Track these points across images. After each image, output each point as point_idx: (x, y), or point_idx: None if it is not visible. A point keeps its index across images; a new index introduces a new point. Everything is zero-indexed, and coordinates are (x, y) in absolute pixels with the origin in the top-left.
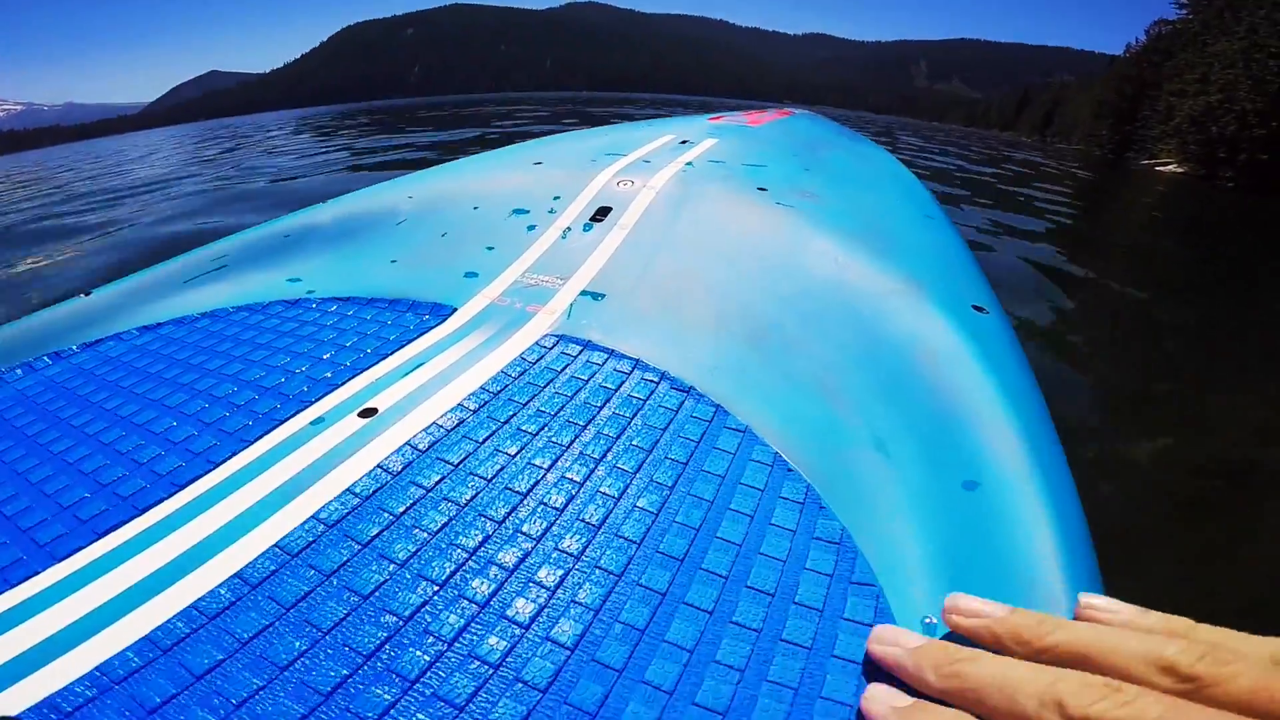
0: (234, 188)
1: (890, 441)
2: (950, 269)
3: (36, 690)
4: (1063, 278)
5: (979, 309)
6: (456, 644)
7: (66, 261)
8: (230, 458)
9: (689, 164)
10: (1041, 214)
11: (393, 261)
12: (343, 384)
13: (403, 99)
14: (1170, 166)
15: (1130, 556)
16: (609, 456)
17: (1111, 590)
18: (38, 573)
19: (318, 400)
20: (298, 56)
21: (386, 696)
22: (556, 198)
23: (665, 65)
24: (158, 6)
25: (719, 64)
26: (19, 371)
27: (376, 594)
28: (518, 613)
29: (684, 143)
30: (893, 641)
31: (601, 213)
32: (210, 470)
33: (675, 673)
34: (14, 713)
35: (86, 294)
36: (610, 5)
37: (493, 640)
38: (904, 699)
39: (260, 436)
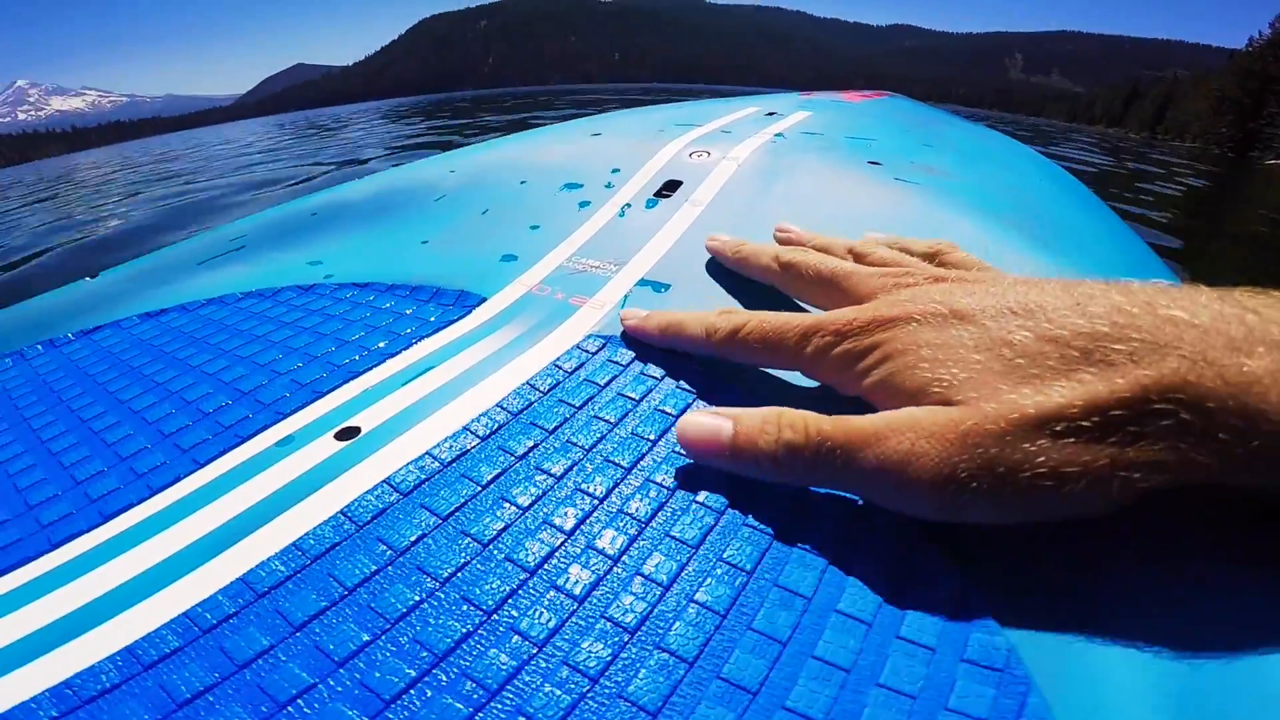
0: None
1: None
2: (1124, 259)
3: (56, 671)
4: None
5: None
6: (503, 693)
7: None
8: (182, 479)
9: (779, 135)
10: (1160, 212)
11: (424, 242)
12: (328, 391)
13: (475, 90)
14: None
15: None
16: (661, 514)
17: None
18: (12, 569)
19: (297, 410)
20: (377, 49)
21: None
22: (615, 170)
23: (738, 56)
24: (248, 0)
25: (796, 55)
26: (8, 361)
27: (403, 621)
28: (571, 585)
29: (770, 114)
30: (715, 238)
31: (669, 187)
32: (150, 497)
33: (761, 670)
34: (23, 697)
35: (92, 276)
36: None
37: (548, 687)
38: (650, 315)
39: (224, 453)
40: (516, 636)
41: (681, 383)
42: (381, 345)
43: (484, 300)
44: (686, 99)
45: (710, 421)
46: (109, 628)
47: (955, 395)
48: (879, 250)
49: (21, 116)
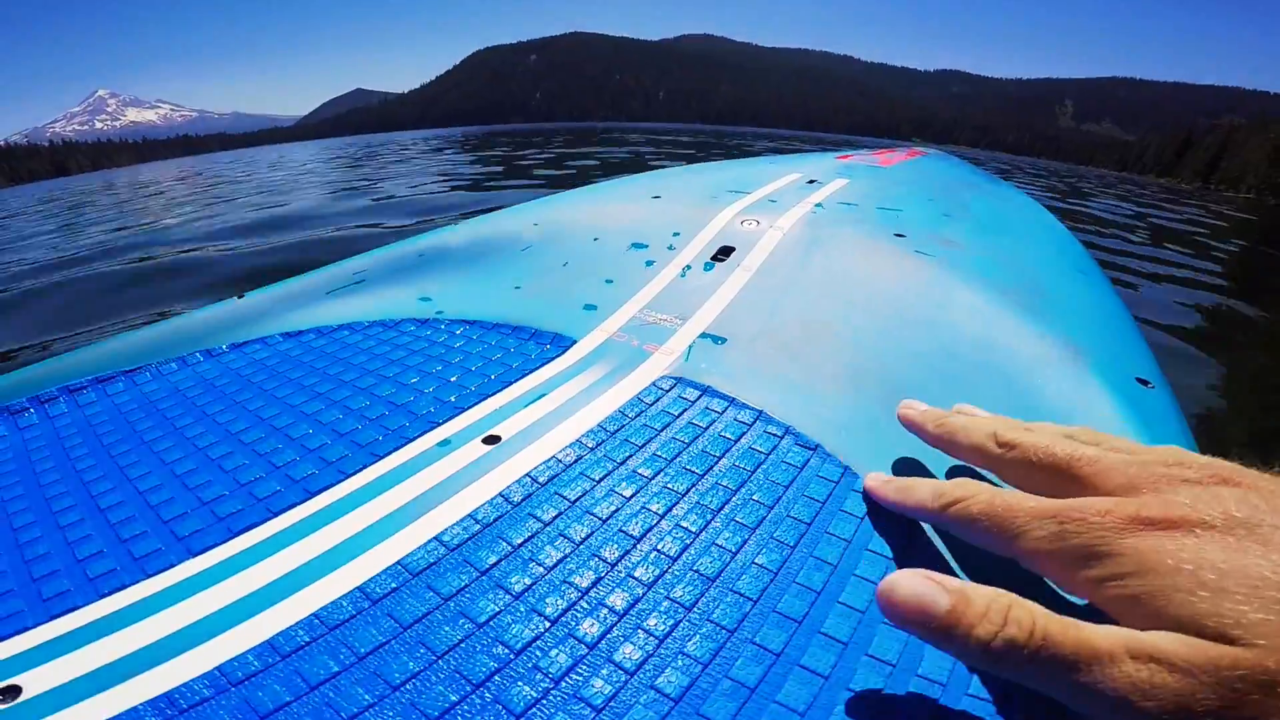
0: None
1: None
2: (1111, 334)
3: (156, 685)
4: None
5: (1143, 382)
6: (563, 682)
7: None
8: (361, 470)
9: (818, 205)
10: (1208, 273)
11: (516, 288)
12: (469, 408)
13: (525, 123)
14: None
15: None
16: (726, 509)
17: None
18: (174, 565)
19: (445, 422)
20: (432, 78)
21: None
22: (676, 234)
23: (783, 99)
24: (314, 24)
25: (843, 99)
26: (174, 365)
27: (490, 623)
28: (625, 658)
29: (811, 182)
30: (910, 406)
31: (724, 252)
32: (341, 480)
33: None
34: (133, 703)
35: (240, 297)
36: (726, 38)
37: (598, 683)
38: (892, 477)
39: (390, 452)
40: (588, 620)
41: (742, 414)
42: (495, 376)
43: (575, 342)
44: (729, 142)
45: (924, 589)
46: (341, 574)
47: (1241, 636)
48: (1113, 440)
49: (99, 125)
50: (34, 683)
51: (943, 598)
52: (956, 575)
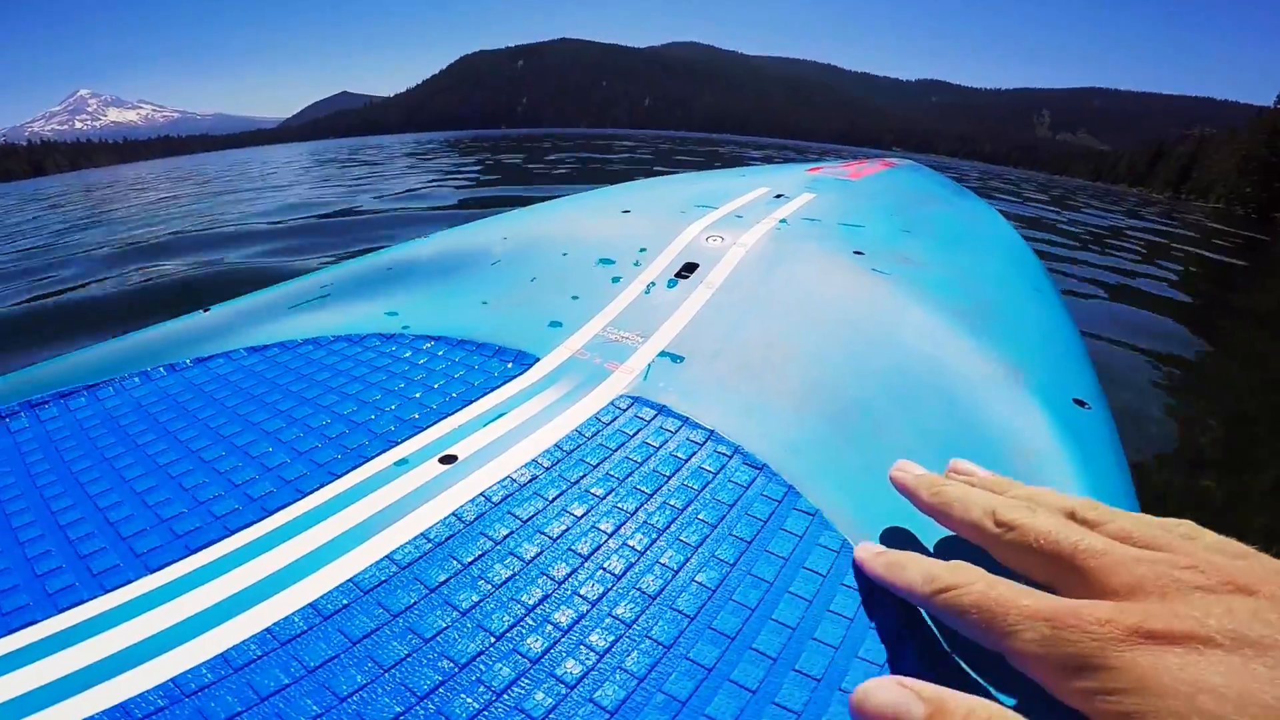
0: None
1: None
2: (1055, 353)
3: (110, 696)
4: (1188, 360)
5: (1080, 403)
6: (505, 695)
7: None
8: (317, 489)
9: (783, 221)
10: (1175, 280)
11: (484, 303)
12: (428, 427)
13: (511, 129)
14: None
15: None
16: (672, 528)
17: None
18: (131, 580)
19: (404, 441)
20: (419, 82)
21: None
22: (643, 250)
23: (768, 107)
24: (300, 26)
25: (825, 108)
26: (137, 379)
27: (437, 639)
28: (566, 672)
29: (779, 196)
30: (905, 469)
31: (688, 269)
32: (298, 499)
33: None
34: (89, 713)
35: (205, 310)
36: (713, 46)
37: (539, 695)
38: (884, 549)
39: (347, 471)
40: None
41: (694, 434)
42: (456, 395)
43: (537, 360)
44: (712, 149)
45: (899, 698)
46: (294, 591)
47: None
48: (1120, 519)
49: (79, 125)
50: None
51: (917, 708)
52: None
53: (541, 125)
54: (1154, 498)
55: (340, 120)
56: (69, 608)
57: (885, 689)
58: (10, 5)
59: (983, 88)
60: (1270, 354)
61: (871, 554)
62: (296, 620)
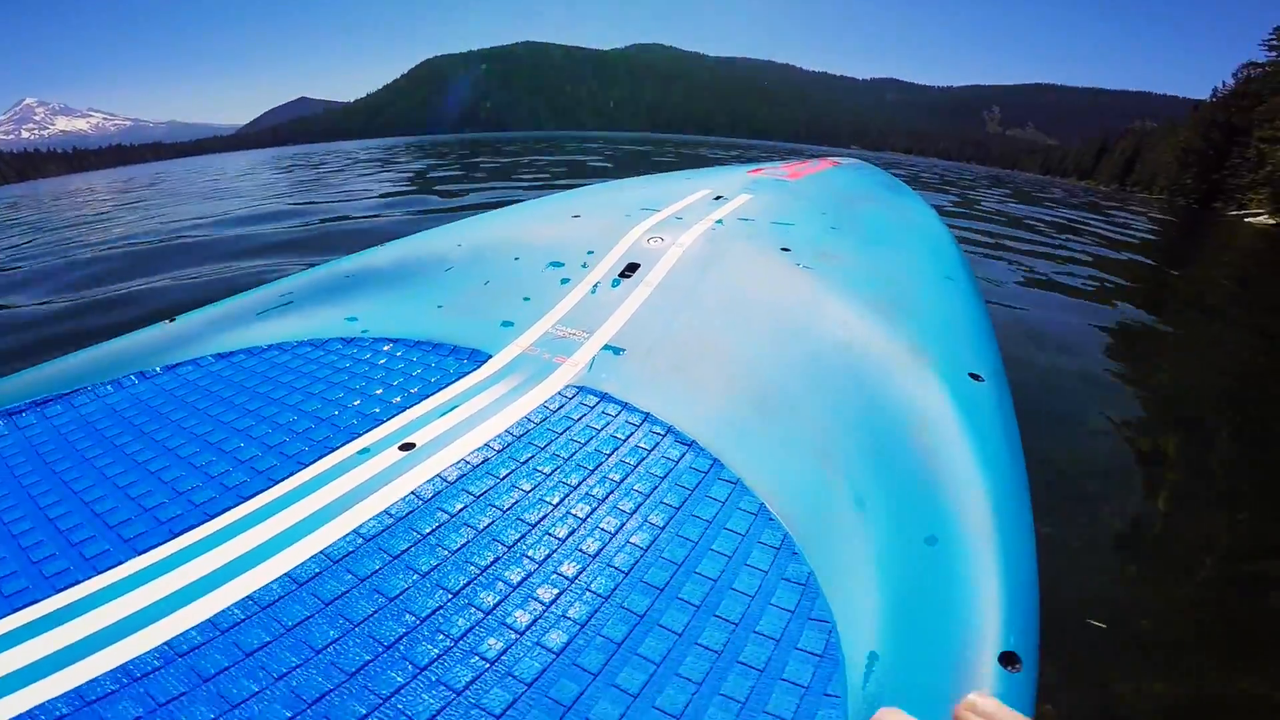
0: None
1: (869, 499)
2: (956, 334)
3: (111, 659)
4: (1147, 335)
5: (975, 376)
6: (462, 641)
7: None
8: (289, 476)
9: (719, 221)
10: (1115, 266)
11: (439, 307)
12: (387, 420)
13: (474, 133)
14: (1261, 218)
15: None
16: (611, 498)
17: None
18: (121, 562)
19: (365, 433)
20: (379, 87)
21: (399, 679)
22: (590, 252)
23: (729, 107)
24: (256, 31)
25: (786, 107)
26: (109, 387)
27: (400, 597)
28: (515, 620)
29: (718, 198)
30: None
31: (630, 269)
32: (271, 486)
33: (642, 680)
34: (94, 675)
35: (171, 320)
36: (675, 47)
37: (492, 640)
38: None
39: (314, 461)
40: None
41: (632, 417)
42: (414, 391)
43: (490, 357)
44: (674, 149)
45: None
46: (272, 563)
47: None
48: None
49: (26, 135)
50: None
51: None
52: None
53: (506, 128)
54: (1114, 452)
55: (300, 126)
56: (65, 588)
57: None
58: None
59: (935, 85)
60: (1207, 331)
61: None
62: (275, 587)
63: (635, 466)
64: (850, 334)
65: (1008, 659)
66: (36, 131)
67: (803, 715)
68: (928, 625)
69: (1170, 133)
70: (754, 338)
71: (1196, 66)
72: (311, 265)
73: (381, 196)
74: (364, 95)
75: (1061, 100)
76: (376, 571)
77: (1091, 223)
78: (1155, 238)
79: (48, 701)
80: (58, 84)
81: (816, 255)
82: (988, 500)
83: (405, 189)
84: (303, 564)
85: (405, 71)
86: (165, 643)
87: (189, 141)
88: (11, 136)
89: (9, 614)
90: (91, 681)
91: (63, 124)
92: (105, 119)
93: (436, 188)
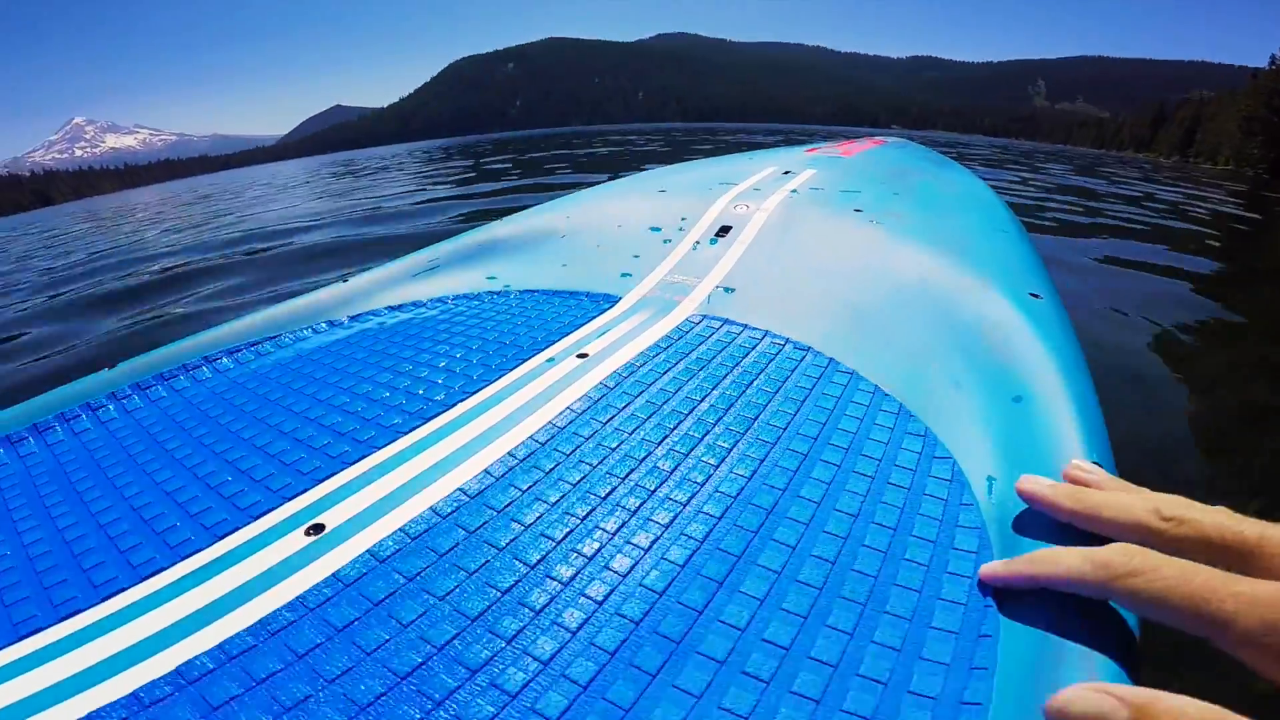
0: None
1: (962, 379)
2: (1012, 268)
3: (244, 620)
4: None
5: (1034, 295)
6: (624, 528)
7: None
8: (476, 392)
9: (794, 191)
10: (1185, 242)
11: (563, 265)
12: (557, 342)
13: (506, 131)
14: None
15: None
16: (746, 394)
17: None
18: (337, 471)
19: (539, 353)
20: (410, 92)
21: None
22: (684, 219)
23: (759, 93)
24: (290, 43)
25: (817, 90)
26: (307, 332)
27: (580, 484)
28: (672, 499)
29: (786, 173)
30: (1034, 481)
31: (723, 230)
32: (463, 399)
33: (792, 535)
34: (180, 660)
35: (345, 280)
36: (700, 35)
37: (661, 516)
38: (1010, 559)
39: (499, 377)
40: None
41: (753, 333)
42: (564, 324)
43: (619, 299)
44: (709, 138)
45: (1099, 702)
46: (473, 460)
47: None
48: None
49: (79, 153)
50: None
51: (1120, 713)
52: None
53: (536, 126)
54: (1178, 442)
55: (337, 134)
56: (269, 510)
57: (1085, 697)
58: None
59: (975, 61)
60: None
61: (1002, 564)
62: (439, 511)
63: (763, 369)
64: (923, 269)
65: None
66: (89, 149)
67: (946, 519)
68: (1024, 451)
69: (1231, 101)
70: (844, 276)
71: (1251, 33)
72: (446, 238)
73: (461, 186)
74: (396, 100)
75: (1110, 72)
76: (573, 452)
77: (1171, 194)
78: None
79: (103, 707)
80: (104, 102)
81: (885, 214)
82: (1057, 372)
83: (462, 185)
84: (501, 459)
85: (434, 75)
86: (333, 574)
87: (233, 153)
88: (65, 155)
89: (175, 561)
90: (149, 684)
91: (112, 141)
92: (152, 134)
93: (504, 180)
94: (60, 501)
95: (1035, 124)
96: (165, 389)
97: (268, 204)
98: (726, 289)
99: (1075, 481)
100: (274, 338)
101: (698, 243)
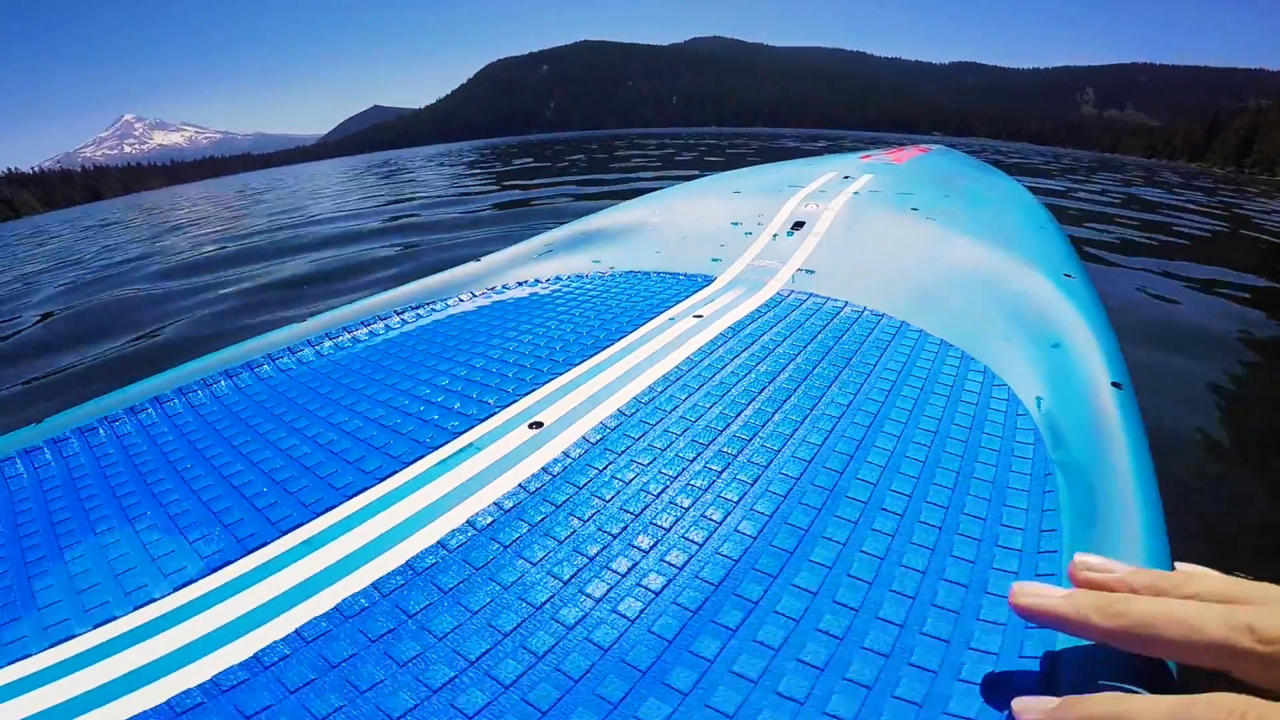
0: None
1: (1010, 336)
2: (1049, 254)
3: (246, 649)
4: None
5: (1068, 275)
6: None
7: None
8: (605, 348)
9: (855, 193)
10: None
11: (657, 252)
12: (664, 311)
13: (542, 133)
14: None
15: None
16: (835, 347)
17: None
18: (462, 431)
19: (650, 320)
20: (447, 93)
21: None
22: (761, 215)
23: (798, 98)
24: (329, 43)
25: (857, 95)
26: (449, 304)
27: (697, 422)
28: (768, 439)
29: (846, 177)
30: (1039, 594)
31: (797, 225)
32: (588, 358)
33: (895, 435)
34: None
35: (478, 260)
36: (735, 39)
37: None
38: (1051, 701)
39: (625, 335)
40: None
41: (834, 303)
42: (669, 297)
43: (712, 280)
44: (746, 141)
45: (1136, 708)
46: (579, 425)
47: None
48: None
49: (128, 149)
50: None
51: (1156, 707)
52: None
53: (570, 128)
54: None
55: (375, 134)
56: (388, 476)
57: (1118, 701)
58: (55, 34)
59: (1020, 68)
60: None
61: (1047, 709)
62: (611, 422)
63: (841, 337)
64: (974, 256)
65: (1115, 385)
66: (137, 146)
67: (1007, 426)
68: (1065, 378)
69: None
70: (907, 260)
71: None
72: (555, 225)
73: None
74: (433, 101)
75: (1160, 79)
76: (673, 410)
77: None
78: None
79: (181, 692)
80: (152, 100)
81: (938, 212)
82: (1088, 329)
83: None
84: (633, 400)
85: (469, 77)
86: (406, 562)
87: (275, 152)
88: (115, 151)
89: (277, 539)
90: (226, 670)
91: (159, 138)
92: (197, 132)
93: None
94: (193, 465)
95: (1083, 132)
96: (340, 344)
97: (416, 189)
98: (807, 270)
99: (1092, 585)
100: (429, 304)
101: (775, 235)
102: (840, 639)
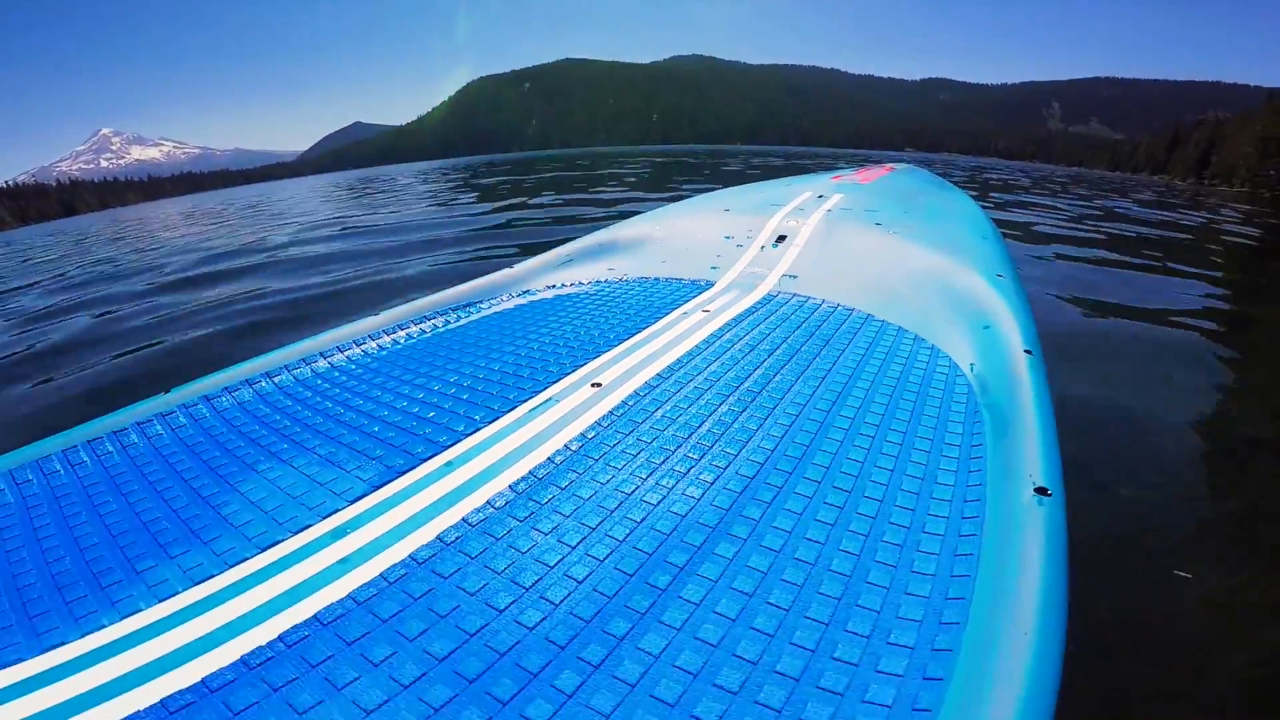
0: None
1: (954, 320)
2: (987, 259)
3: (347, 585)
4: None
5: (1000, 275)
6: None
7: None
8: (615, 346)
9: (829, 210)
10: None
11: (663, 261)
12: (675, 309)
13: (524, 151)
14: None
15: None
16: (815, 336)
17: None
18: (498, 416)
19: (657, 320)
20: (429, 110)
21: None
22: (750, 230)
23: (772, 115)
24: (311, 60)
25: (833, 112)
26: (474, 311)
27: (687, 413)
28: (745, 427)
29: (820, 197)
30: None
31: (781, 238)
32: (600, 354)
33: (861, 394)
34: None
35: (511, 267)
36: (714, 57)
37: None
38: None
39: (632, 335)
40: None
41: (815, 300)
42: (678, 297)
43: (712, 284)
44: (725, 161)
45: None
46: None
47: None
48: None
49: (104, 164)
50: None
51: None
52: None
53: (552, 146)
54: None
55: (356, 150)
56: (364, 496)
57: None
58: (31, 47)
59: (989, 83)
60: None
61: None
62: (616, 413)
63: (819, 327)
64: (926, 261)
65: (1027, 352)
66: (114, 161)
67: (947, 388)
68: (992, 349)
69: (1245, 123)
70: (872, 266)
71: (1266, 53)
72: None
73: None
74: (414, 118)
75: (1124, 93)
76: (688, 384)
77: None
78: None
79: (176, 692)
80: (130, 114)
81: (898, 225)
82: (1012, 314)
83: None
84: (618, 406)
85: (452, 94)
86: (410, 555)
87: (254, 168)
88: (91, 166)
89: (290, 537)
90: (215, 672)
91: (137, 153)
92: (175, 147)
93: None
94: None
95: (1049, 147)
96: (390, 342)
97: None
98: (791, 275)
99: None
100: (470, 304)
101: (763, 246)
102: (823, 542)
